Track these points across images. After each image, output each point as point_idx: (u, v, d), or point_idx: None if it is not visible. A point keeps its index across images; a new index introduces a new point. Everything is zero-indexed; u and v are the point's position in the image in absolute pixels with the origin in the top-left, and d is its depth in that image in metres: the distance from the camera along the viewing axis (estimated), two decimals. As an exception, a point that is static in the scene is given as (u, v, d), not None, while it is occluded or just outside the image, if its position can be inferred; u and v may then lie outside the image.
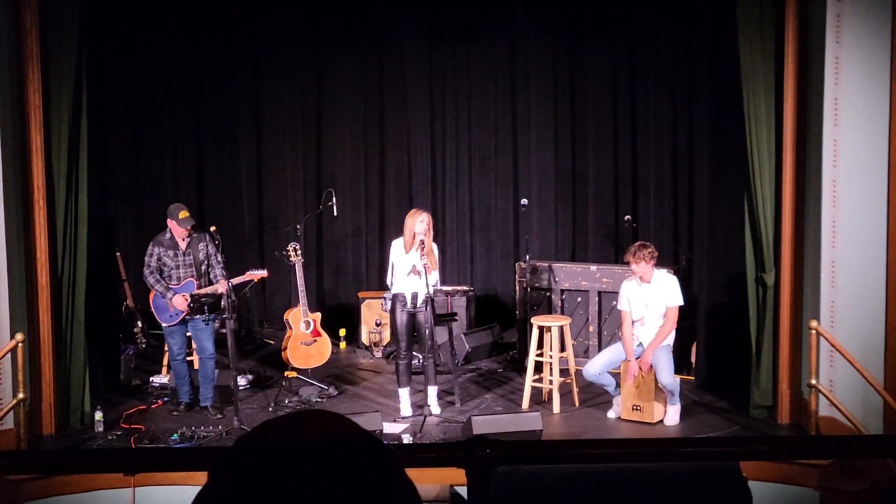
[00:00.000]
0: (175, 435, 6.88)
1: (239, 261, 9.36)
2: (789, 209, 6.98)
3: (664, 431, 7.02)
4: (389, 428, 6.93)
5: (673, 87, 9.27)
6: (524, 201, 9.08)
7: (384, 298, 7.46)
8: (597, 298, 8.56)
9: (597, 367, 7.19)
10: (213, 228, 7.51)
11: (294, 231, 9.17)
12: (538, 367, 7.65)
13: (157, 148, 9.82)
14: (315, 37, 9.80)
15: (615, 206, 9.70)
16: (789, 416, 7.11)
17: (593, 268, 8.66)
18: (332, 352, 8.29)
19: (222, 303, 7.05)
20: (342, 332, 9.36)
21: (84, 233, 7.15)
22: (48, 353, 6.96)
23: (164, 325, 7.31)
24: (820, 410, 6.66)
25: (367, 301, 9.33)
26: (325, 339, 8.08)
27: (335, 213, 9.33)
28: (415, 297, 7.21)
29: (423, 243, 7.08)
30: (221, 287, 7.08)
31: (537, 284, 8.69)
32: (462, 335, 8.79)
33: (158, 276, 7.16)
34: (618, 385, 7.25)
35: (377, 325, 9.13)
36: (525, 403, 7.55)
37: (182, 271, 7.21)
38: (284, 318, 8.19)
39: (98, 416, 7.06)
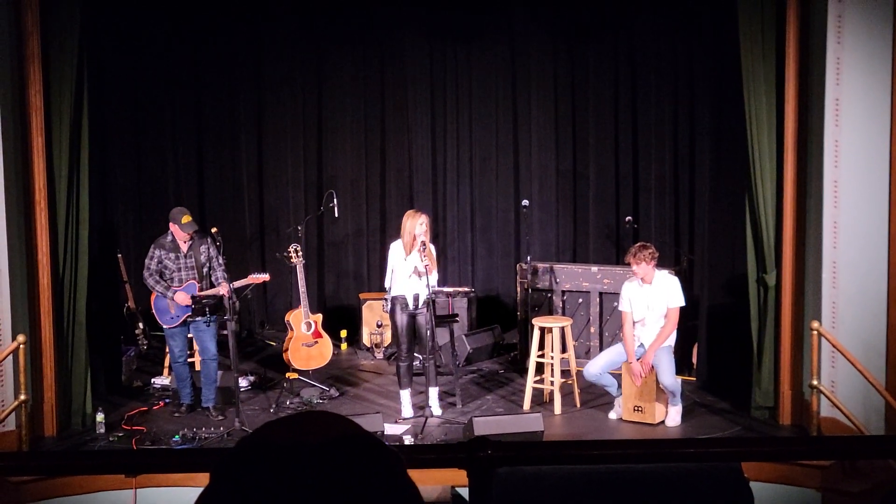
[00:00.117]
0: (176, 436, 6.88)
1: (240, 262, 9.37)
2: (790, 210, 6.98)
3: (665, 432, 7.02)
4: (391, 429, 6.93)
5: (674, 87, 9.27)
6: (525, 202, 9.08)
7: (385, 300, 7.46)
8: (598, 299, 8.56)
9: (597, 368, 7.18)
10: (214, 230, 7.51)
11: (295, 232, 9.17)
12: (539, 368, 7.64)
13: (158, 149, 9.82)
14: (315, 38, 9.80)
15: (616, 206, 9.69)
16: (791, 417, 7.11)
17: (594, 269, 8.66)
18: (334, 353, 8.29)
19: (224, 304, 7.05)
20: (343, 333, 9.36)
21: (85, 234, 7.15)
22: (50, 354, 6.97)
23: (165, 327, 7.31)
24: (821, 411, 6.66)
25: (368, 302, 9.33)
26: (327, 340, 8.08)
27: (336, 215, 9.33)
28: (416, 298, 7.21)
29: (424, 244, 7.09)
30: (223, 289, 7.08)
31: (538, 285, 8.69)
32: (463, 336, 8.79)
33: (158, 278, 7.17)
34: (619, 386, 7.25)
35: (378, 326, 9.13)
36: (526, 404, 7.55)
37: (184, 273, 7.22)
38: (286, 319, 8.20)
39: (99, 417, 7.07)
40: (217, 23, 9.59)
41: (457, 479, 6.04)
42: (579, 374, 7.52)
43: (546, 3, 9.60)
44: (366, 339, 9.28)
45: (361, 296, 9.57)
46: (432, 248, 7.31)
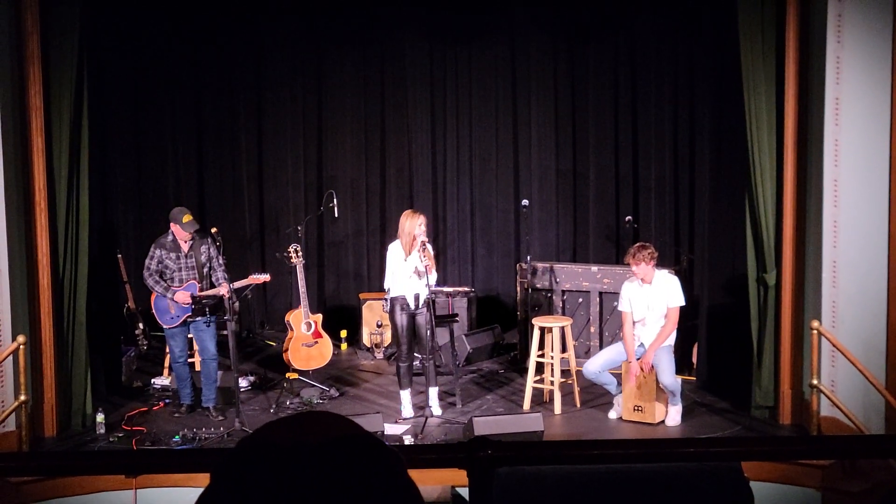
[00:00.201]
0: (177, 437, 6.89)
1: (240, 262, 9.37)
2: (790, 209, 6.98)
3: (665, 432, 7.02)
4: (391, 429, 6.94)
5: (674, 87, 9.27)
6: (525, 202, 9.08)
7: (385, 300, 7.46)
8: (598, 299, 8.56)
9: (597, 366, 7.19)
10: (214, 230, 7.51)
11: (295, 232, 9.17)
12: (539, 368, 7.64)
13: (158, 149, 9.82)
14: (316, 38, 9.80)
15: (616, 206, 9.69)
16: (791, 417, 7.11)
17: (594, 268, 8.66)
18: (334, 353, 8.29)
19: (224, 304, 7.05)
20: (343, 333, 9.36)
21: (85, 234, 7.15)
22: (50, 355, 6.97)
23: (165, 327, 7.31)
24: (821, 411, 6.66)
25: (368, 302, 9.33)
26: (327, 340, 8.08)
27: (336, 215, 9.33)
28: (417, 298, 7.22)
29: (424, 244, 7.10)
30: (223, 290, 7.08)
31: (538, 285, 8.69)
32: (463, 336, 8.79)
33: (158, 278, 7.17)
34: (619, 385, 7.25)
35: (378, 326, 9.13)
36: (526, 404, 7.55)
37: (184, 274, 7.22)
38: (286, 319, 8.19)
39: (100, 417, 7.06)
40: (217, 23, 9.59)
41: (457, 479, 6.05)
42: (579, 373, 7.52)
43: (546, 3, 9.60)
44: (366, 340, 9.28)
45: (361, 296, 9.57)
46: (430, 247, 7.31)
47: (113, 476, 5.97)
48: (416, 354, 7.54)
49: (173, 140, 9.86)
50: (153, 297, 7.32)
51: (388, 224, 9.88)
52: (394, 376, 7.85)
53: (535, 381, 7.60)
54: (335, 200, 9.19)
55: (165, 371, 8.21)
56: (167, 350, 7.74)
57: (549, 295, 8.67)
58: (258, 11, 9.63)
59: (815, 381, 6.54)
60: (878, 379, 6.44)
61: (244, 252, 9.88)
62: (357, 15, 9.67)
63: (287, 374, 7.91)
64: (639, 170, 9.61)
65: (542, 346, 7.63)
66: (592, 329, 8.59)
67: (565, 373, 7.59)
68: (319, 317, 8.18)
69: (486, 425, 6.50)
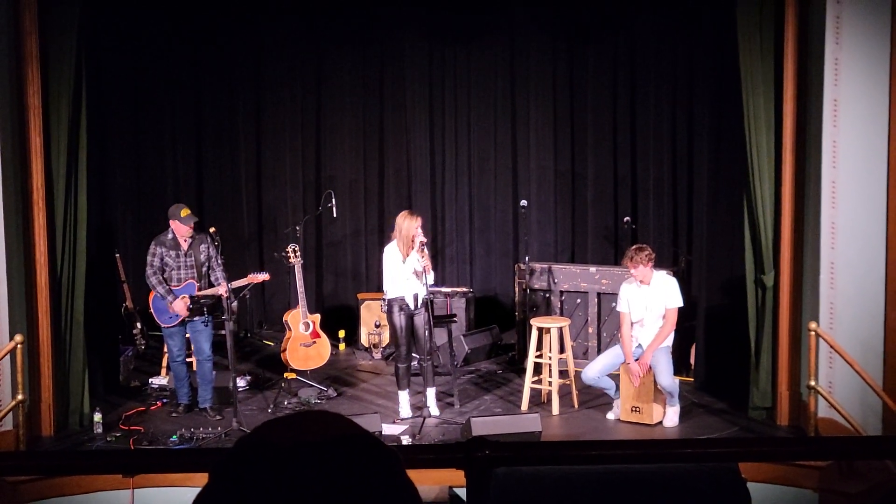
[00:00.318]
0: (174, 436, 6.88)
1: (238, 262, 9.36)
2: (789, 210, 6.98)
3: (663, 433, 7.02)
4: (389, 429, 6.93)
5: (673, 88, 9.27)
6: (523, 203, 9.08)
7: (383, 300, 7.46)
8: (596, 300, 8.56)
9: (595, 371, 7.19)
10: (212, 230, 7.51)
11: (293, 232, 9.17)
12: (537, 369, 7.65)
13: (157, 149, 9.82)
14: (315, 38, 9.80)
15: (614, 207, 9.70)
16: (788, 418, 7.11)
17: (592, 269, 8.66)
18: (332, 353, 8.28)
19: (222, 304, 7.05)
20: (341, 333, 9.36)
21: (83, 234, 7.15)
22: (47, 354, 6.96)
23: (163, 326, 7.31)
24: (819, 412, 6.66)
25: (366, 302, 9.33)
26: (325, 340, 8.07)
27: (334, 215, 9.33)
28: (416, 298, 7.22)
29: (423, 245, 7.12)
30: (222, 289, 7.08)
31: (536, 286, 8.69)
32: (461, 336, 8.79)
33: (161, 278, 7.16)
34: (618, 389, 7.25)
35: (376, 326, 9.12)
36: (524, 405, 7.55)
37: (183, 272, 7.22)
38: (284, 319, 8.19)
39: (97, 417, 7.06)
40: (217, 23, 9.59)
41: (454, 479, 6.04)
42: (577, 374, 7.52)
43: (546, 3, 9.60)
44: (364, 340, 9.28)
45: (359, 296, 9.57)
46: (426, 248, 7.33)
47: (110, 476, 5.96)
48: (413, 355, 7.54)
49: (172, 140, 9.86)
50: (151, 297, 7.32)
51: (387, 224, 9.87)
52: (392, 376, 7.85)
53: (533, 382, 7.60)
54: (334, 200, 9.19)
55: (163, 371, 8.20)
56: (165, 349, 7.73)
57: (548, 295, 8.67)
58: (258, 11, 9.63)
59: (812, 383, 6.54)
60: (875, 380, 6.45)
61: (242, 252, 9.88)
62: (357, 15, 9.67)
63: (285, 374, 7.90)
64: (637, 171, 9.61)
65: (540, 346, 7.63)
66: (590, 330, 8.59)
67: (563, 373, 7.59)
68: (317, 317, 8.18)
69: (483, 426, 6.50)
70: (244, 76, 9.86)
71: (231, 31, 9.67)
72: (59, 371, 7.07)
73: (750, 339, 7.22)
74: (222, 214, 9.71)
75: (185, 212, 7.14)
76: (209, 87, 9.81)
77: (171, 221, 7.19)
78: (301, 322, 7.96)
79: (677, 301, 7.11)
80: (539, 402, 7.65)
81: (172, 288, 7.18)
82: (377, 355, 9.07)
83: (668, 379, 7.00)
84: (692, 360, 8.15)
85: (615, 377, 7.28)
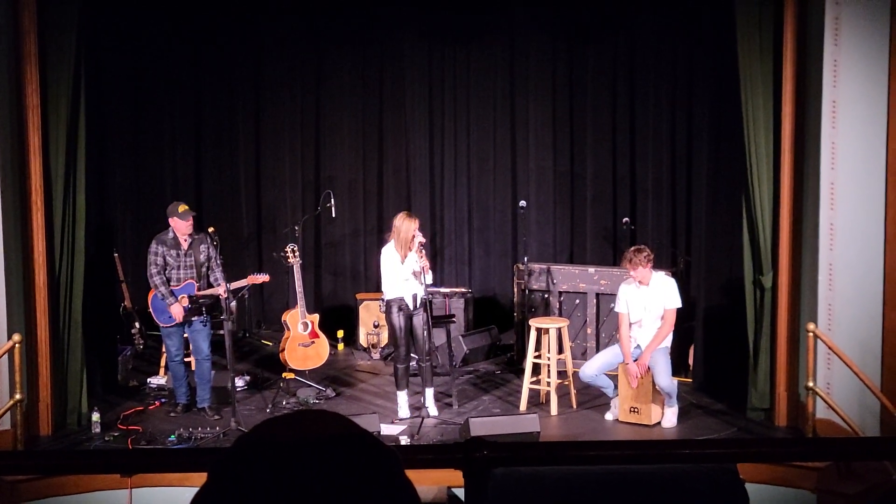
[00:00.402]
0: (172, 436, 6.88)
1: (237, 262, 9.36)
2: (787, 211, 6.99)
3: (662, 433, 7.02)
4: (387, 430, 6.93)
5: (672, 88, 9.28)
6: (522, 203, 9.08)
7: (382, 300, 7.46)
8: (595, 300, 8.56)
9: (593, 369, 7.19)
10: (211, 229, 7.51)
11: (292, 232, 9.17)
12: (536, 369, 7.64)
13: (156, 148, 9.82)
14: (315, 38, 9.80)
15: (613, 208, 9.70)
16: (786, 419, 7.11)
17: (591, 270, 8.66)
18: (330, 353, 8.28)
19: (221, 303, 7.05)
20: (340, 333, 9.35)
21: (82, 233, 7.14)
22: (45, 353, 6.96)
23: (161, 326, 7.31)
24: (817, 413, 6.66)
25: (365, 303, 9.32)
26: (323, 340, 8.07)
27: (333, 215, 9.33)
28: (415, 298, 7.23)
29: (422, 245, 7.13)
30: (221, 290, 7.08)
31: (535, 286, 8.69)
32: (460, 337, 8.79)
33: (164, 278, 7.16)
34: (616, 388, 7.25)
35: (375, 326, 9.12)
36: (523, 405, 7.55)
37: (182, 272, 7.21)
38: (282, 319, 8.19)
39: (95, 416, 7.05)
40: (217, 23, 9.59)
41: (453, 479, 6.04)
42: (576, 375, 7.52)
43: (545, 3, 9.60)
44: (362, 340, 9.28)
45: (358, 296, 9.57)
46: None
47: (108, 475, 5.96)
48: (412, 355, 7.54)
49: (171, 139, 9.86)
50: (150, 297, 7.31)
51: (386, 224, 9.86)
52: (390, 377, 7.85)
53: (532, 383, 7.60)
54: (333, 200, 9.19)
55: (161, 370, 8.20)
56: (163, 349, 7.72)
57: (546, 296, 8.67)
58: (258, 11, 9.63)
59: (810, 384, 6.54)
60: (873, 381, 6.45)
61: (241, 252, 9.88)
62: (356, 15, 9.67)
63: (283, 374, 7.90)
64: (636, 171, 9.61)
65: (538, 347, 7.63)
66: (589, 330, 8.59)
67: (562, 374, 7.59)
68: (316, 317, 8.17)
69: (482, 426, 6.50)
70: (244, 76, 9.86)
71: (231, 31, 9.67)
72: (58, 370, 7.06)
73: (748, 340, 7.23)
74: (221, 214, 9.71)
75: (182, 207, 7.15)
76: (209, 87, 9.81)
77: (170, 220, 7.19)
78: (300, 322, 7.96)
79: (676, 302, 7.11)
80: (537, 402, 7.65)
81: (172, 288, 7.17)
82: (376, 355, 9.07)
83: (666, 380, 7.00)
84: (691, 361, 8.15)
85: (614, 377, 7.28)
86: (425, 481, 6.02)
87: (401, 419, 7.27)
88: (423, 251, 7.21)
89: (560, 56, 9.75)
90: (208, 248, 7.26)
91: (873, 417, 6.61)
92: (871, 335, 6.68)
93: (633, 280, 7.13)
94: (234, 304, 7.66)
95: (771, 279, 7.07)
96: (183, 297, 7.17)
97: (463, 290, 9.46)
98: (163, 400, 7.70)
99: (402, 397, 7.35)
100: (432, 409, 7.34)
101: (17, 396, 6.44)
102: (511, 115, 9.94)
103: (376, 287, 9.52)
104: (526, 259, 8.72)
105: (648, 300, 7.10)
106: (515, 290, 8.86)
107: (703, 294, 7.99)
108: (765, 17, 6.85)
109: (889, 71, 6.52)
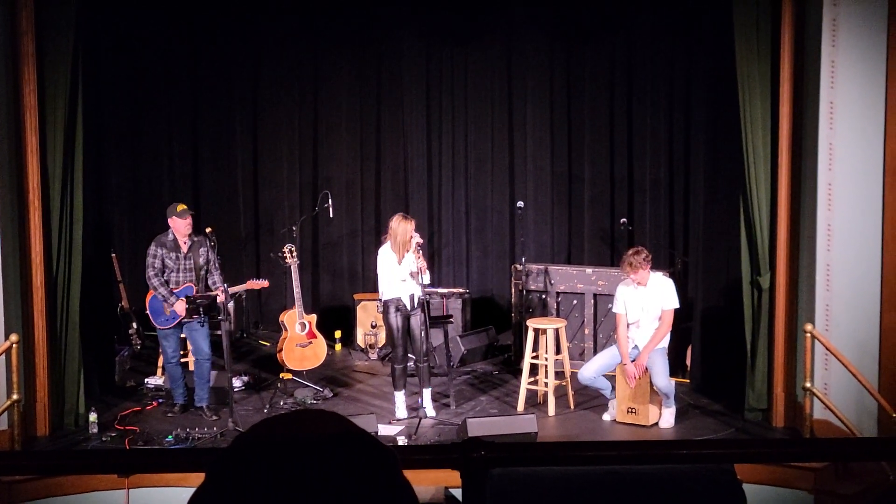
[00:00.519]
0: (170, 436, 6.87)
1: (235, 262, 9.36)
2: (785, 212, 6.99)
3: (659, 434, 7.03)
4: (384, 430, 6.93)
5: (670, 90, 9.29)
6: (520, 204, 9.09)
7: (379, 301, 7.46)
8: (592, 301, 8.57)
9: (591, 371, 7.19)
10: (209, 229, 7.50)
11: (290, 233, 9.16)
12: (533, 370, 7.65)
13: (154, 149, 9.81)
14: (313, 39, 9.80)
15: (611, 208, 9.71)
16: (784, 419, 7.12)
17: (589, 270, 8.67)
18: (328, 354, 8.27)
19: (218, 304, 7.05)
20: (338, 334, 9.35)
21: (79, 233, 7.14)
22: (43, 354, 6.95)
23: (158, 328, 7.30)
24: (814, 413, 6.66)
25: (362, 303, 9.32)
26: (321, 340, 8.07)
27: (331, 215, 9.33)
28: (412, 298, 7.23)
29: (420, 245, 7.13)
30: (220, 295, 7.08)
31: (533, 287, 8.69)
32: (457, 337, 8.79)
33: (163, 281, 7.16)
34: (613, 389, 7.25)
35: (373, 327, 9.12)
36: (520, 406, 7.55)
37: (181, 275, 7.21)
38: (280, 319, 8.18)
39: (92, 417, 7.05)
40: (215, 23, 9.59)
41: (450, 479, 6.03)
42: (573, 375, 7.53)
43: (544, 4, 9.60)
44: (360, 340, 9.28)
45: (356, 296, 9.57)
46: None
47: (106, 475, 5.95)
48: (410, 356, 7.54)
49: (169, 140, 9.85)
50: (148, 298, 7.30)
51: (383, 225, 9.84)
52: (387, 377, 7.84)
53: (530, 383, 7.60)
54: (330, 201, 9.19)
55: (159, 371, 8.19)
56: (160, 350, 7.72)
57: (544, 296, 8.67)
58: (256, 12, 9.63)
59: (808, 384, 6.55)
60: (870, 382, 6.45)
61: (239, 252, 9.87)
62: (355, 16, 9.67)
63: (281, 375, 7.90)
64: (634, 172, 9.62)
65: (536, 347, 7.63)
66: (587, 331, 8.59)
67: (559, 374, 7.59)
68: (314, 317, 8.17)
69: (479, 426, 6.50)
70: (242, 76, 9.86)
71: (229, 31, 9.67)
72: (55, 371, 7.06)
73: (746, 341, 7.23)
74: (219, 214, 9.70)
75: (180, 207, 7.17)
76: (207, 88, 9.81)
77: (169, 220, 7.19)
78: (297, 322, 7.96)
79: (673, 302, 7.12)
80: (535, 403, 7.65)
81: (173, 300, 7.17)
82: (373, 356, 9.07)
83: (664, 380, 7.00)
84: (688, 362, 8.15)
85: (611, 378, 7.28)
86: (423, 482, 6.02)
87: (398, 419, 7.27)
88: (421, 251, 7.21)
89: (558, 57, 9.75)
90: (207, 252, 7.26)
91: (870, 418, 6.62)
92: (868, 336, 6.69)
93: (632, 281, 7.13)
94: (231, 304, 7.65)
95: (768, 280, 7.07)
96: (181, 299, 7.16)
97: (460, 290, 9.46)
98: (160, 400, 7.70)
99: (400, 398, 7.35)
100: (430, 409, 7.34)
101: (15, 396, 6.44)
102: (509, 115, 9.94)
103: (374, 287, 9.50)
104: (523, 259, 8.72)
105: (646, 301, 7.11)
106: (513, 290, 8.86)
107: (701, 295, 7.99)
108: (763, 18, 6.85)
109: (886, 72, 6.53)
